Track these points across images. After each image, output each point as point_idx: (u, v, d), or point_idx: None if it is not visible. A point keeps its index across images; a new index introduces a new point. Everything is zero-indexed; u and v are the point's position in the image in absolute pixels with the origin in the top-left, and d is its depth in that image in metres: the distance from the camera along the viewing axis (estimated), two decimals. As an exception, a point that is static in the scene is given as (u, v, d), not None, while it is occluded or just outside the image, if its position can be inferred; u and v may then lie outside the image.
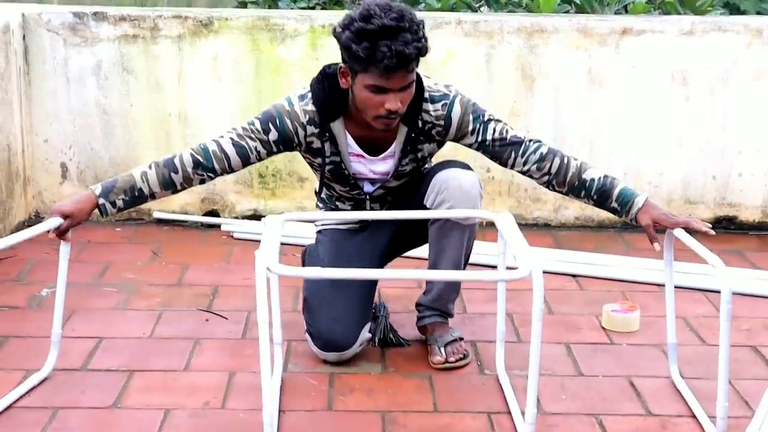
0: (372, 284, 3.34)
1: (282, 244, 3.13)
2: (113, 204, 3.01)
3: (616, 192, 3.13)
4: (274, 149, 3.10)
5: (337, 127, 3.09)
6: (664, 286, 3.94)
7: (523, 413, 2.72)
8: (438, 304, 3.33)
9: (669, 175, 4.69)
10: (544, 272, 4.00)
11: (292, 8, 5.96)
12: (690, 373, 3.21)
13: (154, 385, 3.01)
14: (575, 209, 4.71)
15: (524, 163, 3.14)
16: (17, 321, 3.49)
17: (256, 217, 4.65)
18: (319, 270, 2.81)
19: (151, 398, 2.93)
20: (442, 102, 3.09)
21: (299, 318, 3.46)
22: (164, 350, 3.27)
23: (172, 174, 3.04)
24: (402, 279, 3.64)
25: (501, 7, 5.56)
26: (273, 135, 3.07)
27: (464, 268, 3.30)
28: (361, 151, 3.15)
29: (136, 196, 3.03)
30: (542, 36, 4.53)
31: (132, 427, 2.76)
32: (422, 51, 2.86)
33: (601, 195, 3.14)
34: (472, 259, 3.46)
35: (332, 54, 4.32)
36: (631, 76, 4.57)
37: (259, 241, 4.25)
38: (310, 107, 3.07)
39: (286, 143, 3.10)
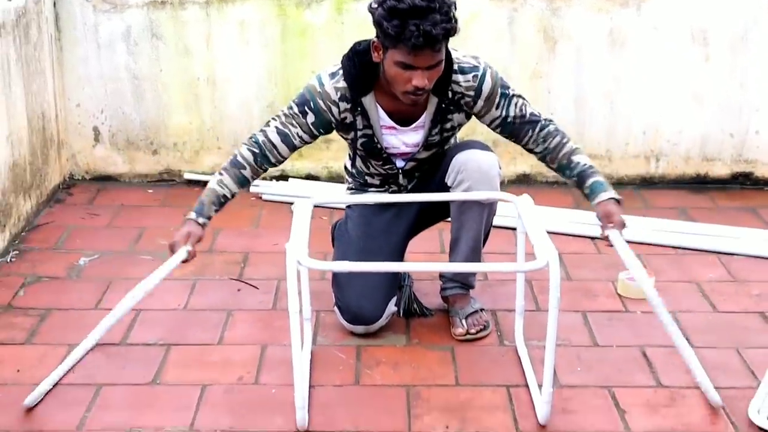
0: (400, 257, 3.49)
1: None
2: (209, 217, 3.22)
3: (591, 181, 3.22)
4: (315, 133, 3.23)
5: (369, 101, 3.20)
6: (679, 248, 4.11)
7: (540, 387, 2.88)
8: (459, 276, 3.47)
9: (687, 132, 4.78)
10: (563, 235, 4.19)
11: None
12: (700, 341, 3.34)
13: (190, 360, 3.18)
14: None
15: (535, 142, 3.27)
16: (58, 293, 3.66)
17: (284, 177, 4.79)
18: (348, 264, 2.96)
19: (187, 374, 3.10)
20: (473, 74, 3.19)
21: (327, 286, 3.62)
22: (199, 322, 3.43)
23: (242, 171, 3.21)
24: (426, 271, 3.76)
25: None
26: (310, 117, 3.19)
27: (484, 242, 3.44)
28: (392, 123, 3.26)
29: (222, 202, 3.23)
30: (564, -1, 4.61)
31: (171, 405, 2.93)
32: (450, 32, 2.95)
33: (579, 178, 3.25)
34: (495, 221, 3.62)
35: (357, 18, 4.47)
36: (652, 37, 4.63)
37: (286, 203, 4.45)
38: (341, 84, 3.18)
39: (324, 125, 3.22)
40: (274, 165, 3.25)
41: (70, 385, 3.01)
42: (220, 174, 3.21)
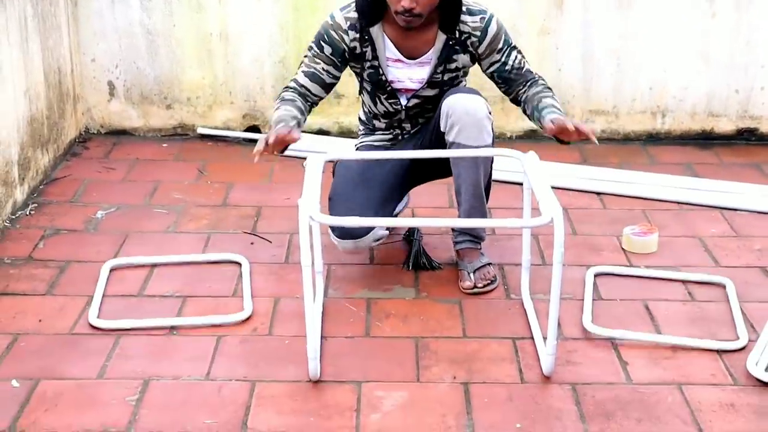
0: (394, 188, 3.56)
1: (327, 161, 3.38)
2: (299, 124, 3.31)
3: (544, 110, 3.30)
4: (337, 62, 3.40)
5: (376, 31, 3.37)
6: (683, 204, 4.18)
7: (545, 339, 2.98)
8: (468, 228, 3.57)
9: (693, 89, 4.84)
10: (570, 190, 4.27)
11: None
12: (702, 296, 3.43)
13: (206, 311, 3.28)
14: (601, 123, 4.88)
15: (525, 93, 3.42)
16: (75, 245, 3.75)
17: (295, 132, 4.86)
18: (357, 219, 3.02)
19: (204, 326, 3.20)
20: (480, 16, 3.38)
21: (338, 240, 3.72)
22: (214, 275, 3.53)
23: (296, 104, 3.35)
24: (433, 226, 3.85)
25: None
26: (328, 49, 3.38)
27: (488, 188, 3.54)
28: (399, 56, 3.40)
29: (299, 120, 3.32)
30: (574, -42, 4.65)
31: (188, 354, 3.02)
32: None
33: (532, 111, 3.36)
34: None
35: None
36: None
37: (298, 158, 4.53)
38: (352, 14, 3.37)
39: (341, 54, 3.39)
40: (316, 104, 3.45)
41: (89, 335, 3.12)
42: (278, 108, 3.32)
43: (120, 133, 4.89)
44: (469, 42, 3.39)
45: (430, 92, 3.46)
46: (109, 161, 4.57)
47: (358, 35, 3.37)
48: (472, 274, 3.48)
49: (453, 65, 3.42)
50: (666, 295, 3.44)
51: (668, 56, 4.78)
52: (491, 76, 3.48)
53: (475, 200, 3.47)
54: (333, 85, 3.45)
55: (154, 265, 3.58)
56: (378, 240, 3.46)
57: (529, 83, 3.44)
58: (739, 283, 3.51)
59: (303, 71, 3.41)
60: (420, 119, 3.57)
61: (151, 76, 4.81)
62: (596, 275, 3.55)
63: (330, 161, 3.38)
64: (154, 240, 3.81)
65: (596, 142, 3.24)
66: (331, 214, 3.43)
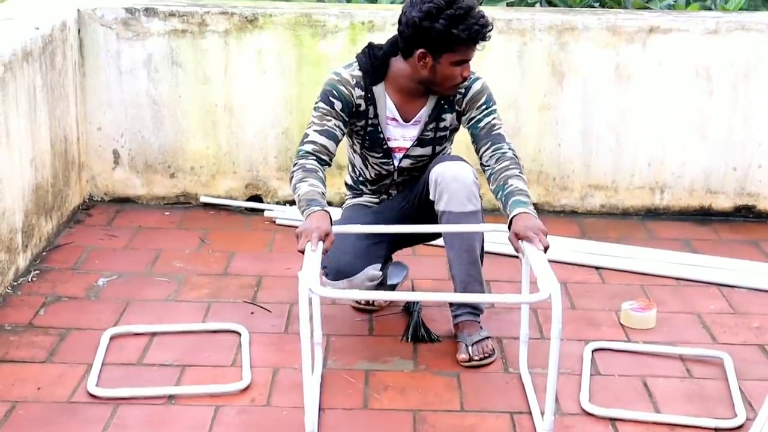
0: (384, 238, 3.61)
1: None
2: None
3: (513, 199, 3.30)
4: (345, 118, 3.47)
5: (379, 90, 3.49)
6: (681, 279, 4.21)
7: (542, 414, 2.99)
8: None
9: (691, 165, 4.89)
10: (568, 264, 4.30)
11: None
12: (700, 373, 3.44)
13: (204, 381, 3.29)
14: (601, 197, 4.93)
15: (491, 157, 3.47)
16: (77, 312, 3.77)
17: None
18: (355, 292, 3.06)
19: (202, 396, 3.21)
20: (471, 78, 3.53)
21: (337, 311, 3.76)
22: (213, 344, 3.55)
23: (318, 174, 3.37)
24: (432, 300, 3.89)
25: (534, -9, 5.73)
26: (338, 104, 3.45)
27: (481, 250, 3.57)
28: (396, 115, 3.52)
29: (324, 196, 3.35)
30: (572, 34, 4.72)
31: (186, 424, 3.04)
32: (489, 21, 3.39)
33: (506, 198, 3.33)
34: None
35: (371, 50, 4.56)
36: (657, 72, 4.75)
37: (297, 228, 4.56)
38: (357, 72, 3.49)
39: (349, 109, 3.47)
40: (330, 165, 3.48)
41: (87, 403, 3.13)
42: (303, 180, 3.33)
43: (123, 201, 4.93)
44: (454, 100, 3.53)
45: (420, 150, 3.56)
46: (111, 229, 4.61)
47: (362, 93, 3.48)
48: (470, 347, 3.49)
49: (442, 124, 3.55)
50: (664, 371, 3.45)
51: (667, 132, 4.83)
52: (468, 130, 3.57)
53: (471, 267, 3.50)
54: (341, 140, 3.51)
55: (153, 334, 3.60)
56: (373, 281, 3.53)
57: (496, 148, 3.45)
58: (737, 360, 3.52)
59: (316, 130, 3.44)
60: (407, 183, 3.67)
61: (156, 145, 4.87)
62: (594, 351, 3.56)
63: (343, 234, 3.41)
64: (154, 308, 3.83)
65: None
66: (323, 264, 3.41)
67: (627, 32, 4.72)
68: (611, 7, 5.50)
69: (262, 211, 4.84)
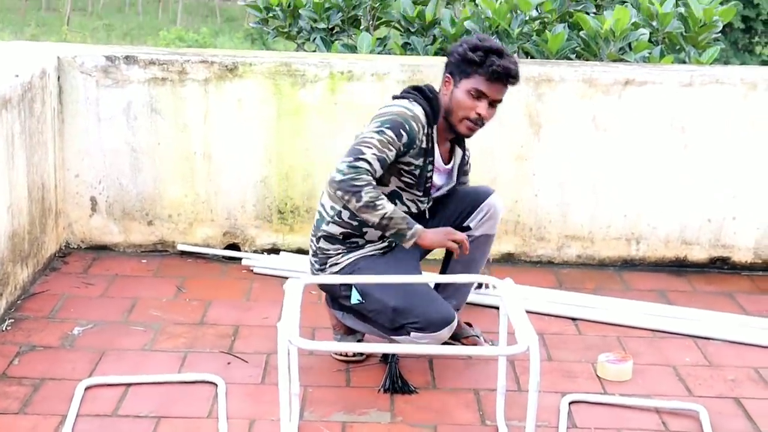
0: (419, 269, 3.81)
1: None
2: None
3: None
4: (400, 153, 3.53)
5: (435, 132, 3.64)
6: (657, 331, 4.23)
7: (519, 468, 2.99)
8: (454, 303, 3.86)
9: (667, 216, 4.93)
10: (545, 315, 4.31)
11: (312, 32, 6.20)
12: (676, 426, 3.45)
13: (180, 433, 3.28)
14: (577, 248, 4.95)
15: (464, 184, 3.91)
16: (51, 362, 3.74)
17: (275, 251, 4.92)
18: (339, 344, 3.09)
19: (178, 446, 3.20)
20: None
21: (315, 361, 3.76)
22: (189, 395, 3.53)
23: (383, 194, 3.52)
24: (406, 352, 3.90)
25: (512, 42, 5.77)
26: (404, 138, 3.51)
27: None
28: (438, 158, 3.67)
29: None
30: (549, 85, 4.77)
31: (161, 477, 3.02)
32: (518, 76, 3.57)
33: None
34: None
35: (350, 98, 4.68)
36: (633, 124, 4.80)
37: (277, 276, 4.57)
38: (420, 111, 3.56)
39: (410, 146, 3.53)
40: None
41: (63, 455, 3.11)
42: (382, 199, 3.42)
43: (100, 249, 4.92)
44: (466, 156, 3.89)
45: (440, 194, 3.78)
46: (88, 276, 4.59)
47: (426, 132, 3.57)
48: (482, 337, 3.89)
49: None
50: (640, 424, 3.46)
51: (642, 184, 4.87)
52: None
53: (468, 289, 3.96)
54: None
55: (129, 385, 3.58)
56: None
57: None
58: (713, 413, 3.53)
59: (376, 156, 3.43)
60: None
61: (134, 192, 4.87)
62: (571, 403, 3.57)
63: (309, 284, 3.41)
64: (130, 358, 3.81)
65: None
66: (410, 320, 3.50)
67: (603, 84, 4.77)
68: (587, 59, 5.56)
69: (240, 259, 4.84)
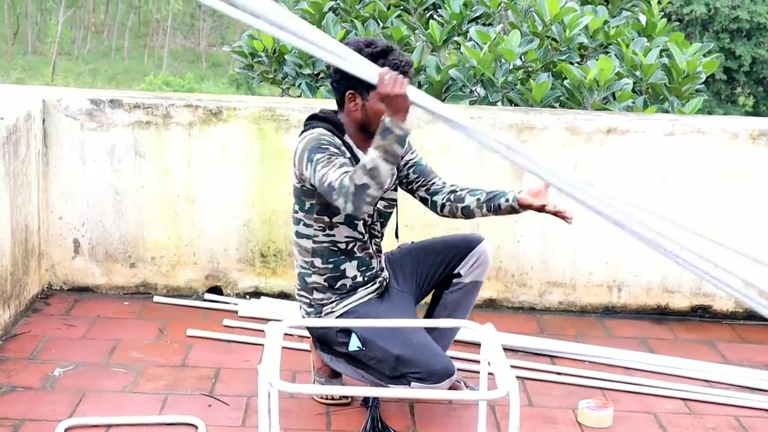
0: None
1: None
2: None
3: (498, 192, 3.78)
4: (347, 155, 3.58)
5: (348, 140, 3.64)
6: (638, 378, 4.23)
7: None
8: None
9: (648, 265, 4.96)
10: (526, 361, 4.31)
11: (297, 78, 6.25)
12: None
13: (160, 475, 3.26)
14: (559, 295, 4.97)
15: (443, 185, 3.81)
16: (31, 403, 3.73)
17: (257, 295, 4.92)
18: (320, 387, 3.11)
19: (157, 489, 3.18)
20: None
21: (295, 404, 3.76)
22: (170, 438, 3.52)
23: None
24: (388, 396, 3.89)
25: (496, 90, 5.83)
26: (332, 148, 3.51)
27: None
28: None
29: None
30: (532, 132, 4.82)
31: None
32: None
33: (489, 194, 3.78)
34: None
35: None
36: (614, 172, 4.84)
37: (259, 319, 4.57)
38: (327, 126, 3.62)
39: (343, 152, 3.57)
40: None
41: (41, 496, 3.10)
42: (358, 167, 3.37)
43: (82, 290, 4.91)
44: None
45: (393, 194, 3.77)
46: (69, 318, 4.58)
47: (340, 142, 3.59)
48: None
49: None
50: (620, 470, 3.47)
51: (624, 232, 4.90)
52: (408, 176, 3.80)
53: (450, 332, 3.92)
54: None
55: (109, 426, 3.57)
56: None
57: (441, 179, 3.82)
58: (692, 460, 3.55)
59: (334, 165, 3.44)
60: (378, 249, 3.79)
61: (117, 235, 4.87)
62: (551, 448, 3.58)
63: (292, 327, 3.41)
64: (111, 400, 3.80)
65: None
66: (412, 370, 3.52)
67: (585, 132, 4.82)
68: (570, 108, 5.62)
69: (220, 304, 4.84)
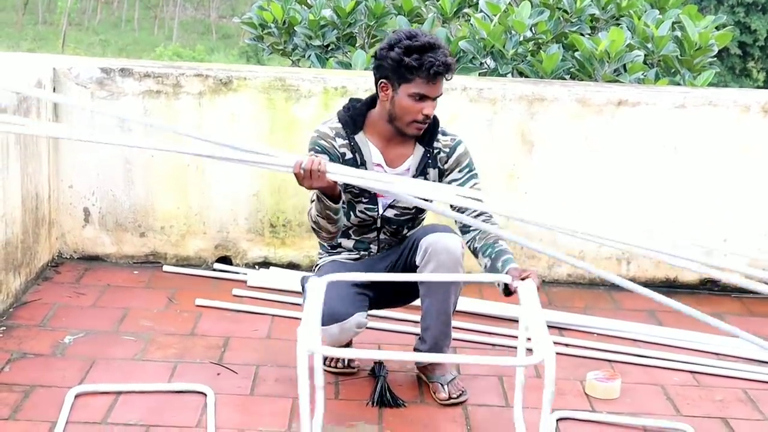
0: (368, 292, 3.68)
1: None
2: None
3: (506, 257, 3.55)
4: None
5: (361, 138, 3.63)
6: (646, 351, 4.23)
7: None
8: (434, 349, 3.68)
9: (658, 237, 4.94)
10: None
11: (307, 49, 6.24)
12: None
13: (169, 442, 3.28)
14: (568, 267, 4.97)
15: (471, 228, 3.64)
16: (41, 370, 3.75)
17: (266, 264, 4.93)
18: (357, 351, 3.36)
19: (166, 455, 3.20)
20: (451, 137, 3.72)
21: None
22: (178, 405, 3.53)
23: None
24: (424, 361, 3.82)
25: (506, 62, 5.81)
26: (324, 157, 3.47)
27: (453, 312, 3.68)
28: (381, 161, 3.62)
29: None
30: (542, 104, 4.80)
31: (149, 485, 3.02)
32: (454, 66, 3.51)
33: (497, 255, 3.55)
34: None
35: (344, 114, 4.62)
36: (625, 144, 4.83)
37: (267, 289, 4.57)
38: (335, 124, 3.65)
39: (335, 160, 3.56)
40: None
41: (51, 462, 3.12)
42: (310, 213, 3.54)
43: (92, 259, 4.93)
44: (438, 157, 3.66)
45: (401, 205, 3.65)
46: (79, 286, 4.60)
47: (345, 142, 3.59)
48: (446, 386, 3.65)
49: (426, 177, 3.64)
50: (627, 441, 3.48)
51: (633, 204, 4.90)
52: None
53: (444, 327, 3.65)
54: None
55: (119, 393, 3.58)
56: (360, 327, 3.58)
57: (480, 216, 3.58)
58: (700, 432, 3.55)
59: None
60: (388, 244, 3.75)
61: (127, 204, 4.88)
62: (559, 420, 3.58)
63: (332, 282, 3.35)
64: (120, 367, 3.82)
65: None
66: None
67: (596, 104, 4.80)
68: (581, 80, 5.60)
69: (232, 272, 4.86)
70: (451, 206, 3.64)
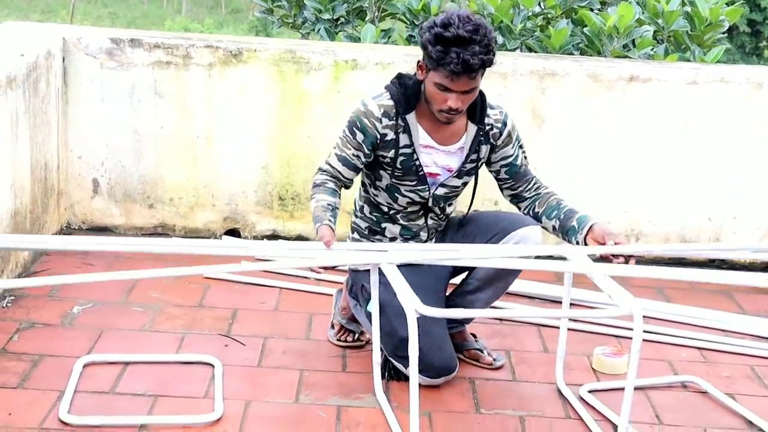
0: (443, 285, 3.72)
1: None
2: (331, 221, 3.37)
3: (578, 215, 3.57)
4: (366, 149, 3.49)
5: (411, 118, 3.48)
6: (654, 327, 4.23)
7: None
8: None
9: (667, 214, 4.94)
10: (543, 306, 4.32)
11: (316, 23, 6.21)
12: (669, 419, 3.47)
13: (177, 411, 3.28)
14: (576, 243, 4.95)
15: (529, 190, 3.68)
16: (50, 339, 3.76)
17: (275, 237, 4.93)
18: (463, 311, 3.48)
19: (172, 426, 3.21)
20: (499, 110, 3.60)
21: (311, 346, 3.79)
22: (186, 376, 3.54)
23: (328, 186, 3.49)
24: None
25: (514, 37, 5.79)
26: (360, 136, 3.46)
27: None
28: (430, 142, 3.52)
29: (333, 211, 3.42)
30: (553, 79, 4.78)
31: (156, 454, 3.04)
32: (486, 63, 3.31)
33: (567, 214, 3.59)
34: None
35: (353, 87, 4.68)
36: (635, 120, 4.81)
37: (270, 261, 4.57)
38: (386, 102, 3.48)
39: (372, 142, 3.48)
40: (348, 186, 3.57)
41: (58, 430, 3.12)
42: (312, 198, 3.45)
43: (101, 230, 4.93)
44: (491, 133, 3.56)
45: (456, 182, 3.57)
46: (88, 257, 4.60)
47: (391, 122, 3.46)
48: (484, 351, 3.80)
49: (479, 155, 3.57)
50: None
51: (644, 180, 4.89)
52: (498, 172, 3.64)
53: (495, 296, 3.73)
54: (362, 168, 3.55)
55: (127, 363, 3.59)
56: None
57: (534, 184, 3.68)
58: (707, 408, 3.55)
59: (336, 154, 3.51)
60: (435, 229, 3.69)
61: (136, 175, 4.88)
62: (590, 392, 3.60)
63: (401, 264, 3.32)
64: (128, 338, 3.82)
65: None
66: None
67: (607, 80, 4.78)
68: (590, 56, 5.57)
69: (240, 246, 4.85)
70: (499, 184, 3.69)
